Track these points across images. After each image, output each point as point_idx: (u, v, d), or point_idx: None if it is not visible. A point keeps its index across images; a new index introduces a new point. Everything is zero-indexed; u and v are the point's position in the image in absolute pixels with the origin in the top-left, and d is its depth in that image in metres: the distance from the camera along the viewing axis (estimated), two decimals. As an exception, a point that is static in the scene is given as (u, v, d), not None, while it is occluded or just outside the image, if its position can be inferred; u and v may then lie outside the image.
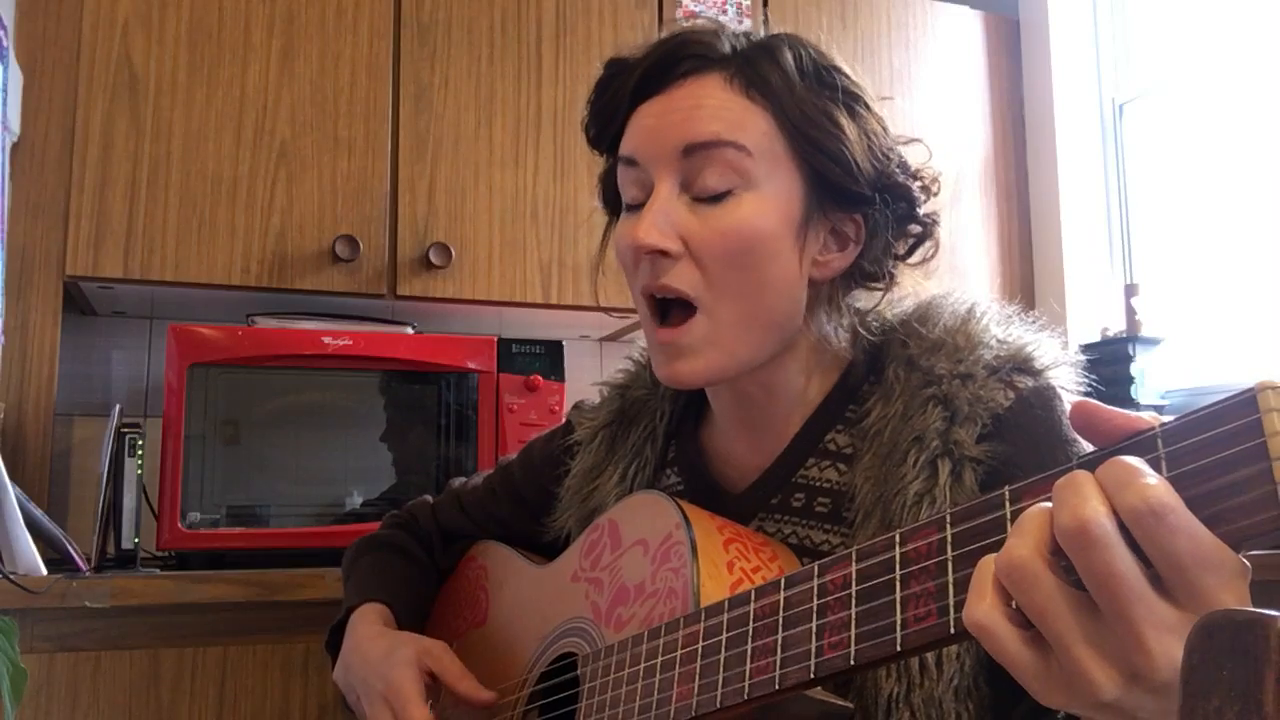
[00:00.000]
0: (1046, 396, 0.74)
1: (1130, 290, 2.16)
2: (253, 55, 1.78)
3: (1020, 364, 0.75)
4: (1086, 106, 2.38)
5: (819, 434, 0.82)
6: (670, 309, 0.78)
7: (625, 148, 0.81)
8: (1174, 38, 2.26)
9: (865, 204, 0.78)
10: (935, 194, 0.83)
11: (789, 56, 0.79)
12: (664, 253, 0.76)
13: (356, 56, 1.84)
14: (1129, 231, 2.34)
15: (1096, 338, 2.19)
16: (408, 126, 1.86)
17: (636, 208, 0.79)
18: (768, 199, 0.76)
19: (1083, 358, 0.79)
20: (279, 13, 1.81)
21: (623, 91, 0.81)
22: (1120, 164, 2.37)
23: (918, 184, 0.82)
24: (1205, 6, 2.18)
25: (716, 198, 0.76)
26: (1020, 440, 0.72)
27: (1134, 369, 2.07)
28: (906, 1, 2.29)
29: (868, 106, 0.80)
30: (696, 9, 2.08)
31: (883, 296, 0.83)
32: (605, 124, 0.84)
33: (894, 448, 0.74)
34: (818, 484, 0.81)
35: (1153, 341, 2.11)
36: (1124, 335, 2.12)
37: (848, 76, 0.80)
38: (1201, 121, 2.18)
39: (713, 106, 0.77)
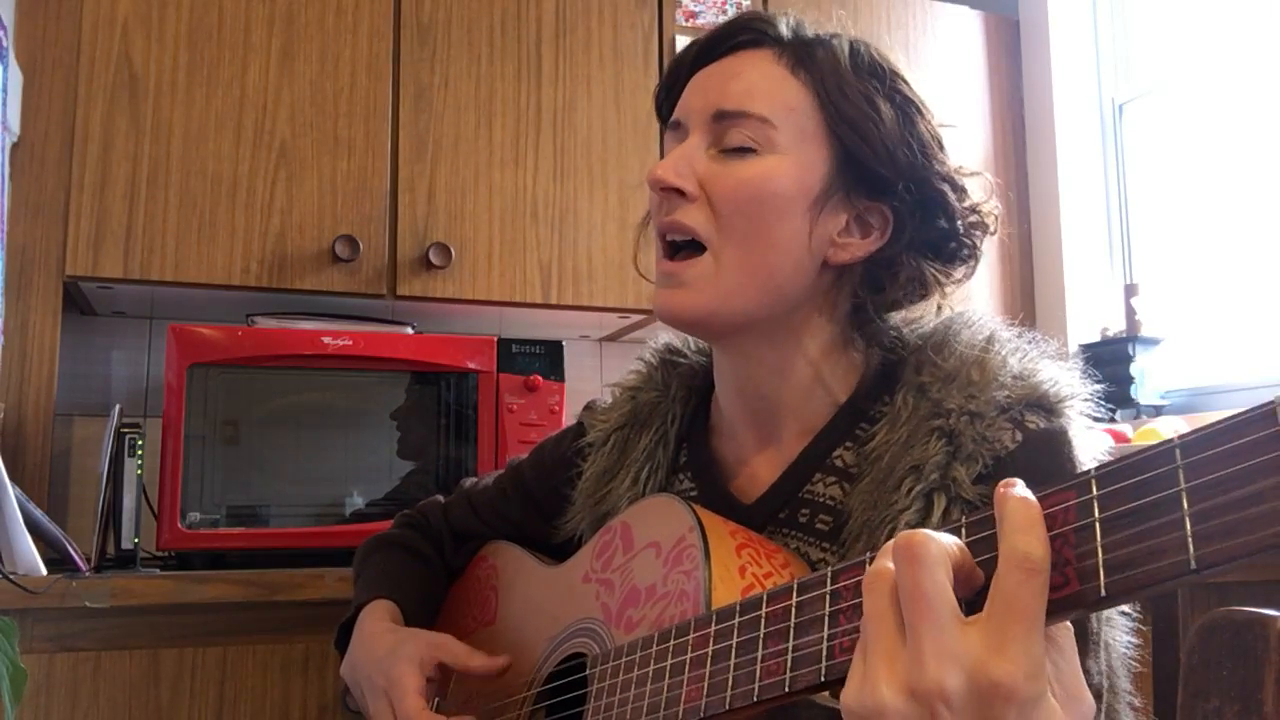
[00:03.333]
0: (1055, 442, 0.72)
1: (1130, 290, 2.16)
2: (253, 55, 1.78)
3: (1035, 402, 0.74)
4: (1086, 106, 2.38)
5: (827, 449, 0.81)
6: (680, 251, 0.81)
7: (674, 115, 0.85)
8: (1174, 38, 2.26)
9: (892, 191, 0.79)
10: (992, 232, 0.85)
11: (845, 46, 0.83)
12: (680, 192, 0.79)
13: (356, 56, 1.84)
14: (1129, 231, 2.34)
15: (1096, 338, 2.19)
16: (408, 126, 1.86)
17: None
18: (789, 164, 0.79)
19: (1099, 387, 0.77)
20: (279, 13, 1.81)
21: (685, 61, 0.87)
22: (1120, 164, 2.37)
23: (973, 216, 0.83)
24: (1205, 7, 2.18)
25: (739, 150, 0.79)
26: None
27: (1134, 369, 2.07)
28: (906, 1, 2.29)
29: (921, 115, 0.83)
30: (696, 9, 2.08)
31: (890, 291, 0.82)
32: (668, 91, 0.89)
33: (890, 473, 0.74)
34: (822, 500, 0.80)
35: (1153, 341, 2.11)
36: (1124, 335, 2.12)
37: (906, 83, 0.83)
38: (1201, 122, 2.18)
39: (749, 76, 0.81)
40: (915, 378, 0.78)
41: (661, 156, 0.92)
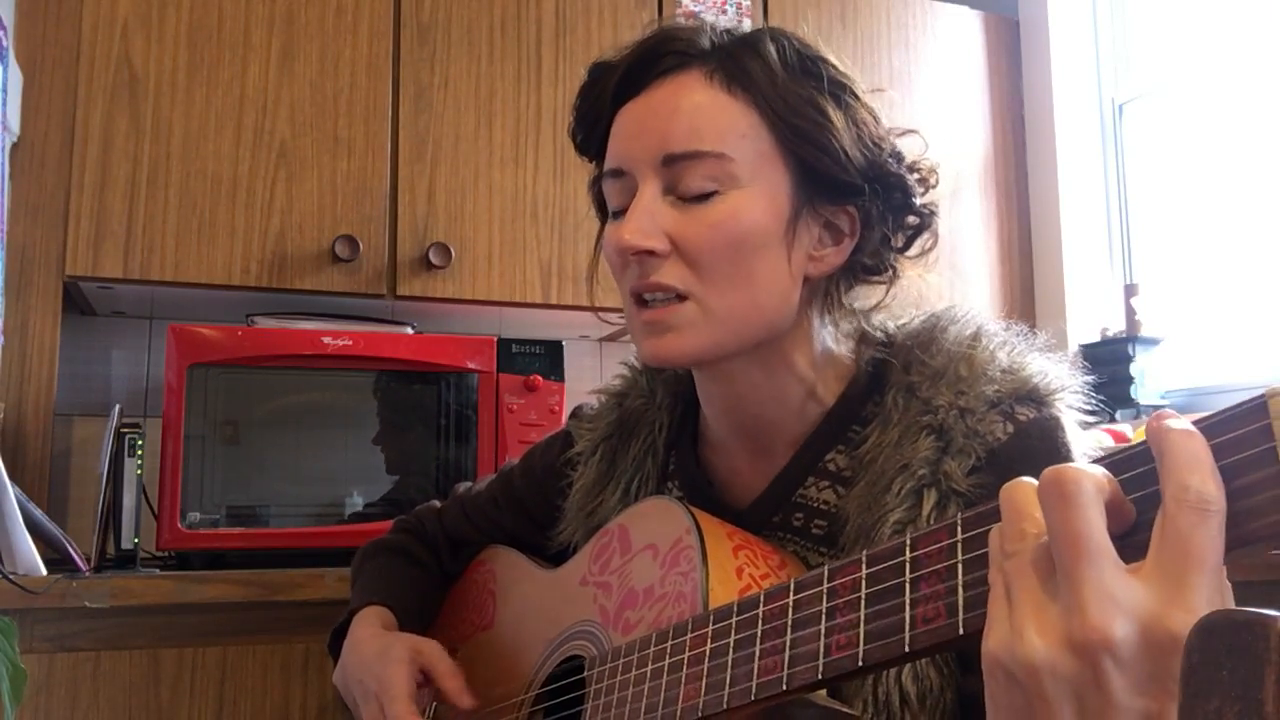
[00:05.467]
0: (1048, 428, 0.72)
1: (1130, 290, 2.16)
2: (253, 55, 1.78)
3: (1025, 395, 0.73)
4: (1086, 106, 2.38)
5: (819, 453, 0.80)
6: (657, 301, 0.77)
7: (609, 160, 0.80)
8: (1174, 38, 2.26)
9: (856, 194, 0.77)
10: (934, 185, 0.82)
11: (772, 49, 0.77)
12: (651, 252, 0.75)
13: (356, 56, 1.84)
14: (1129, 231, 2.34)
15: (1096, 338, 2.19)
16: (408, 126, 1.86)
17: (620, 213, 0.78)
18: (755, 196, 0.75)
19: (1090, 378, 0.76)
20: (279, 13, 1.80)
21: (605, 93, 0.80)
22: (1120, 164, 2.37)
23: (915, 176, 0.80)
24: (1205, 7, 2.18)
25: (702, 196, 0.75)
26: (1012, 473, 0.69)
27: (1134, 369, 2.07)
28: (906, 1, 2.29)
29: (856, 96, 0.79)
30: (696, 9, 2.08)
31: (886, 292, 0.81)
32: (590, 128, 0.84)
33: (881, 475, 0.73)
34: (816, 505, 0.80)
35: (1153, 341, 2.11)
36: (1124, 335, 2.12)
37: (834, 66, 0.79)
38: (1201, 121, 2.18)
39: (691, 110, 0.75)
40: (904, 377, 0.77)
41: (601, 203, 0.86)
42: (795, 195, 0.76)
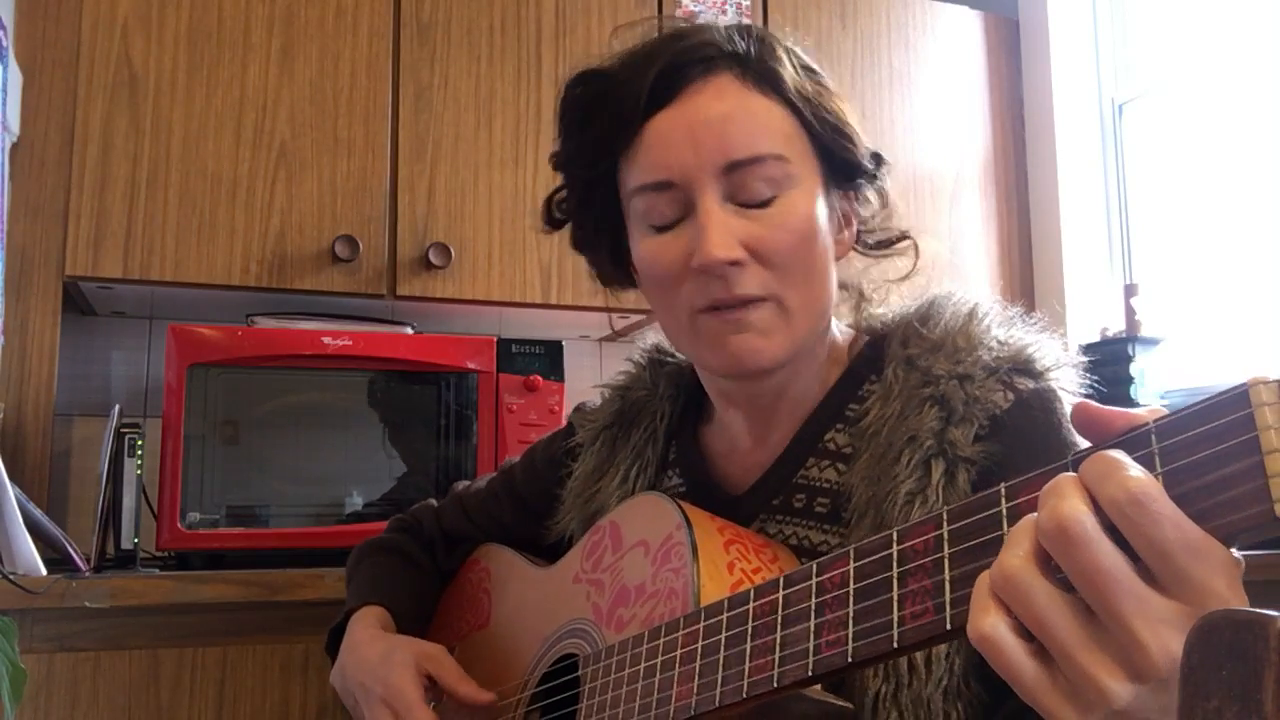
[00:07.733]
0: (1046, 399, 0.73)
1: (1130, 290, 2.16)
2: (252, 55, 1.78)
3: (1021, 365, 0.75)
4: (1086, 106, 2.38)
5: (818, 433, 0.82)
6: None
7: (652, 172, 0.77)
8: (1174, 38, 2.26)
9: (867, 176, 0.82)
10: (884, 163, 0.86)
11: (777, 45, 0.81)
12: (736, 263, 0.75)
13: (356, 56, 1.84)
14: (1129, 231, 2.34)
15: (1096, 338, 2.19)
16: (407, 126, 1.86)
17: (667, 228, 0.78)
18: (806, 191, 0.78)
19: (1084, 359, 0.78)
20: (279, 13, 1.81)
21: (630, 107, 0.77)
22: (1120, 164, 2.37)
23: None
24: (1205, 7, 2.18)
25: (766, 203, 0.76)
26: (1016, 442, 0.71)
27: (1134, 369, 2.07)
28: (906, 1, 2.29)
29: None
30: (696, 9, 2.08)
31: (913, 267, 0.86)
32: (607, 145, 0.80)
33: (889, 448, 0.74)
34: (818, 484, 0.81)
35: (1152, 341, 2.11)
36: (1124, 335, 2.12)
37: (807, 57, 0.84)
38: (1201, 121, 2.18)
39: (743, 116, 0.77)
40: (902, 351, 0.79)
41: (562, 218, 0.89)
42: (825, 183, 0.80)
